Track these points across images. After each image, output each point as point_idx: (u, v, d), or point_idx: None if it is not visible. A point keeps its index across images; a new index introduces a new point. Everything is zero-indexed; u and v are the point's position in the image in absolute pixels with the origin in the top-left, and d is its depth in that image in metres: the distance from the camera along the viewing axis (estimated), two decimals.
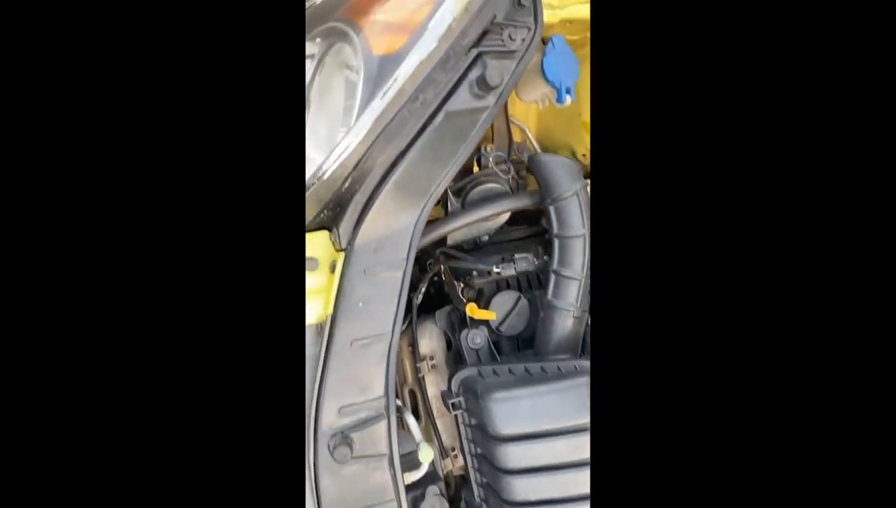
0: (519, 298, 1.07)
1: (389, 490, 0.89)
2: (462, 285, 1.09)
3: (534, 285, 1.12)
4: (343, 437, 0.84)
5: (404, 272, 0.84)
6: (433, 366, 1.11)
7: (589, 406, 0.87)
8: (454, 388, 1.02)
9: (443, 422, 1.10)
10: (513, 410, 0.91)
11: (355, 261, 0.82)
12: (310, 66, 0.90)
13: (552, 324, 1.00)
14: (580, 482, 0.89)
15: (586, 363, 0.94)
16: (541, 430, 0.91)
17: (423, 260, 1.13)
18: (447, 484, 1.14)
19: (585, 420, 0.88)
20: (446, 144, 0.81)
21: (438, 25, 0.75)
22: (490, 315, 1.04)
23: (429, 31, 0.75)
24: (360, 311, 0.83)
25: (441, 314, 1.12)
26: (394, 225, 0.83)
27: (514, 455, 0.92)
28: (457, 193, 1.08)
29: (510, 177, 1.08)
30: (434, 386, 1.10)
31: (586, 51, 1.00)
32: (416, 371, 1.11)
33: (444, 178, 0.83)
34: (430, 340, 1.13)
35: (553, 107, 1.00)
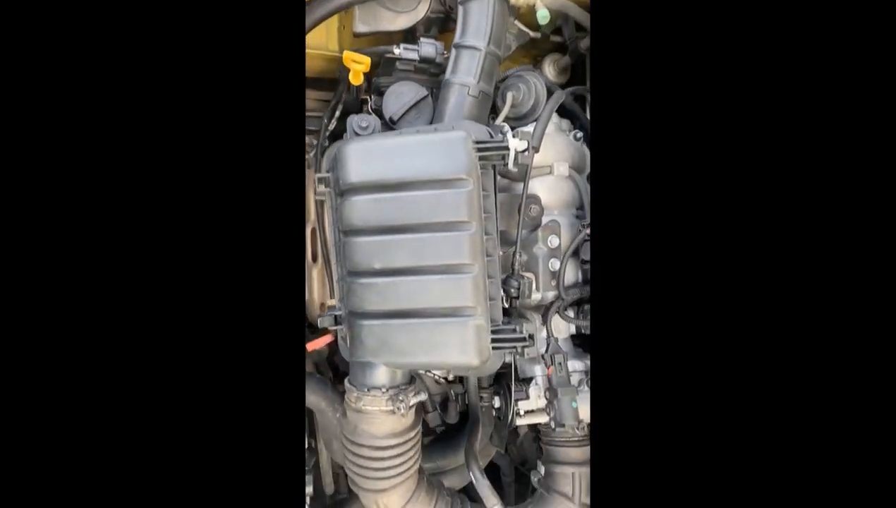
0: (425, 96, 0.88)
1: None
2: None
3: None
4: None
5: None
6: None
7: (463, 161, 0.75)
8: (325, 166, 0.86)
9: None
10: (367, 154, 0.76)
11: None
12: None
13: (445, 103, 0.85)
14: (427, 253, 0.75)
15: (463, 123, 0.81)
16: (394, 179, 0.75)
17: None
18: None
19: (446, 174, 0.74)
20: None
21: None
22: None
23: None
24: None
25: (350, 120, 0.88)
26: None
27: (359, 210, 0.75)
28: None
29: None
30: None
31: None
32: (317, 204, 0.93)
33: None
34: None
35: None
